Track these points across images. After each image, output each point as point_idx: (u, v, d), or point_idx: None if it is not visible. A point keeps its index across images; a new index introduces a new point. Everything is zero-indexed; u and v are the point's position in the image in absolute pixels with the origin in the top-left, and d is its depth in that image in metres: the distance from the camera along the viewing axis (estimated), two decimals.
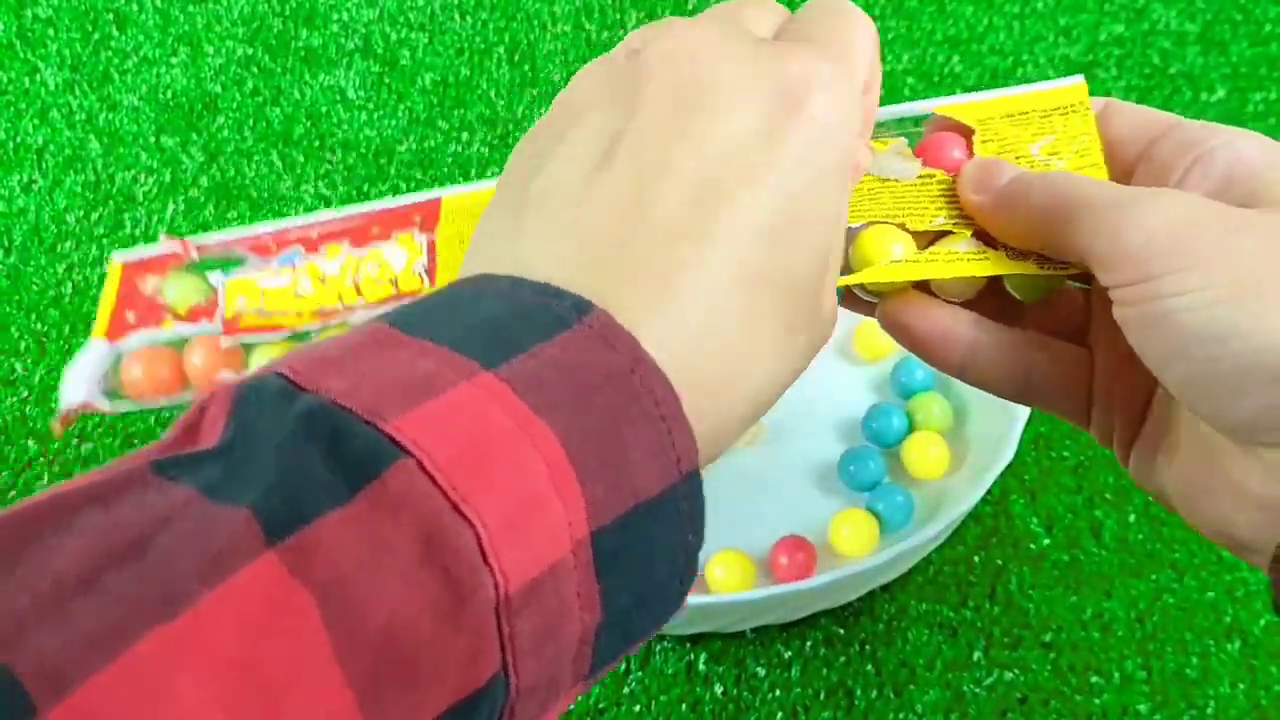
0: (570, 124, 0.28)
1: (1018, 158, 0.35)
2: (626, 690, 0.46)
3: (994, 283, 0.34)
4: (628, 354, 0.24)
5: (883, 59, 0.67)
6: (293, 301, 0.38)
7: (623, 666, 0.46)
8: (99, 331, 0.40)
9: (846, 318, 0.54)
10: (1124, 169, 0.33)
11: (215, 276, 0.39)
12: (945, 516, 0.44)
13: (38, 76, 0.66)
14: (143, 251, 0.40)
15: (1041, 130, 0.35)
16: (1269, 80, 0.66)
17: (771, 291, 0.27)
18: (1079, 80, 0.35)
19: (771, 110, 0.27)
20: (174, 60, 0.67)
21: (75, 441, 0.52)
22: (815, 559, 0.47)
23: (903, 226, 0.35)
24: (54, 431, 0.39)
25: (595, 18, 0.69)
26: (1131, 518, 0.50)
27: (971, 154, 0.35)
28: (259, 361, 0.38)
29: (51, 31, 0.68)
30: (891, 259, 0.34)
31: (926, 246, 0.35)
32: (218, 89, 0.66)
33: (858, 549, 0.47)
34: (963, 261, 0.34)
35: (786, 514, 0.48)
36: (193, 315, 0.39)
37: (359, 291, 0.38)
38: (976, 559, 0.49)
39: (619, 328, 0.25)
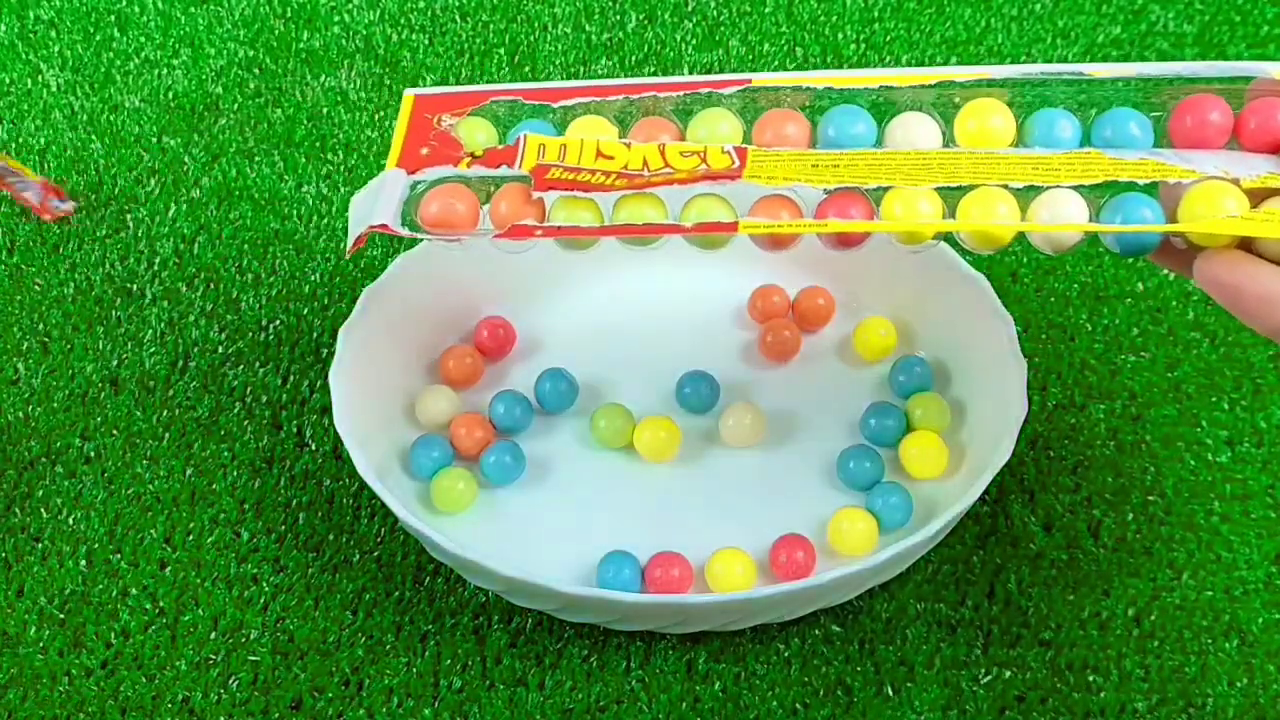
0: None
1: None
2: (627, 688, 0.46)
3: None
4: None
5: (881, 60, 0.68)
6: (597, 160, 0.39)
7: (623, 664, 0.46)
8: (392, 162, 0.40)
9: (846, 318, 0.55)
10: None
11: (517, 129, 0.40)
12: (944, 516, 0.45)
13: (40, 78, 0.67)
14: (434, 90, 0.40)
15: None
16: None
17: None
18: None
19: None
20: (175, 62, 0.67)
21: (79, 441, 0.52)
22: (815, 558, 0.47)
23: (1235, 182, 0.35)
24: (346, 253, 0.41)
25: (595, 19, 0.69)
26: (1129, 517, 0.50)
27: None
28: (560, 216, 0.39)
29: (54, 33, 0.69)
30: (1226, 211, 0.34)
31: (1257, 205, 0.35)
32: (219, 90, 0.66)
33: (857, 548, 0.47)
34: None
35: (786, 513, 0.49)
36: (491, 159, 0.39)
37: (664, 158, 0.39)
38: (975, 558, 0.49)
39: None
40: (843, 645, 0.47)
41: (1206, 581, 0.48)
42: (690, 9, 0.70)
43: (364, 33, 0.69)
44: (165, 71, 0.67)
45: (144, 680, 0.46)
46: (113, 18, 0.69)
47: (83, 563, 0.49)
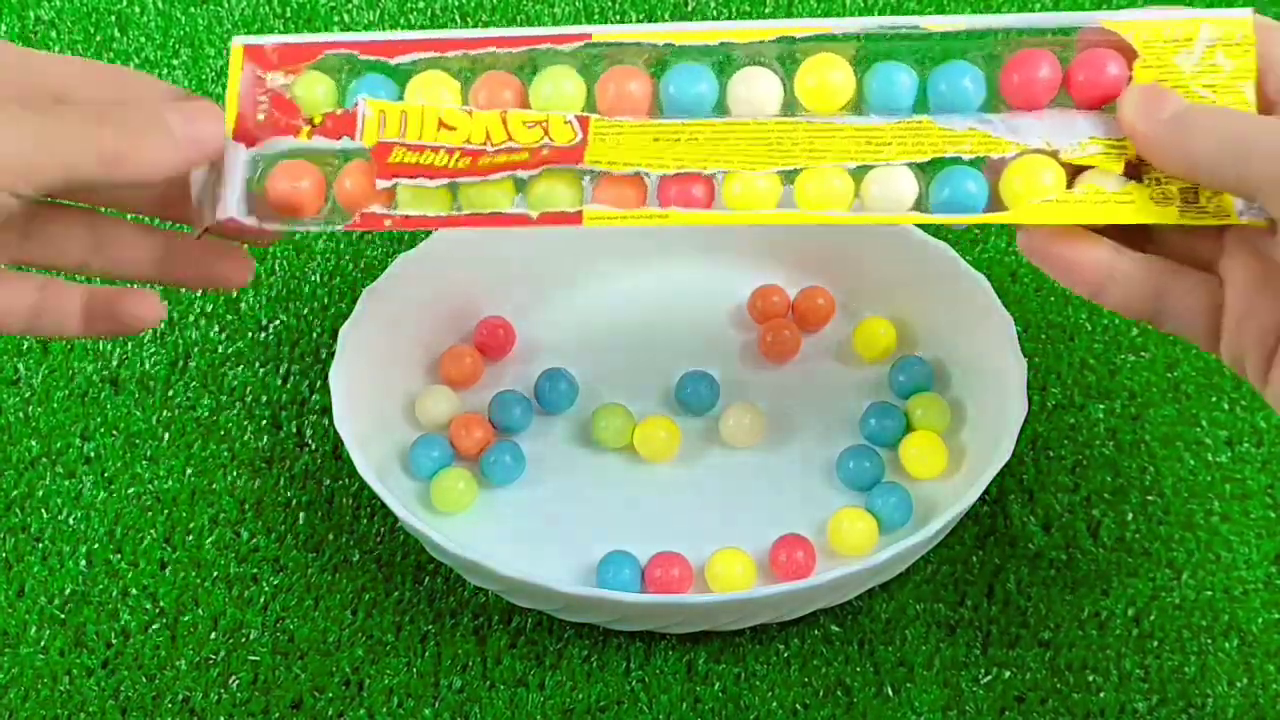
0: None
1: (1176, 86, 0.36)
2: (627, 688, 0.46)
3: None
4: None
5: None
6: (439, 132, 0.38)
7: (623, 665, 0.46)
8: (228, 131, 0.39)
9: (846, 318, 0.55)
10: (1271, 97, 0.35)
11: (353, 90, 0.39)
12: (944, 516, 0.45)
13: None
14: (264, 39, 0.39)
15: (1203, 60, 0.36)
16: None
17: None
18: (1248, 14, 0.35)
19: None
20: (175, 62, 0.67)
21: (79, 441, 0.52)
22: (815, 558, 0.47)
23: (1055, 154, 0.37)
24: (195, 237, 0.39)
25: (595, 19, 0.69)
26: (1129, 517, 0.50)
27: (1130, 76, 0.36)
28: (407, 199, 0.39)
29: (54, 33, 0.69)
30: (1043, 187, 0.36)
31: (1074, 181, 0.37)
32: (219, 91, 0.66)
33: (857, 548, 0.47)
34: (1110, 204, 0.36)
35: (786, 513, 0.49)
36: (331, 128, 0.38)
37: (507, 130, 0.38)
38: (974, 558, 0.49)
39: None
40: (843, 645, 0.47)
41: (1206, 581, 0.48)
42: (690, 9, 0.70)
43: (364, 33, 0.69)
44: (165, 71, 0.67)
45: (144, 680, 0.46)
46: (113, 18, 0.69)
47: (83, 563, 0.49)
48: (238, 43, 0.39)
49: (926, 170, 0.38)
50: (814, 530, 0.48)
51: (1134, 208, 0.36)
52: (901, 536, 0.45)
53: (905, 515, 0.48)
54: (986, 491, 0.50)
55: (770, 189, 0.38)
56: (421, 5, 0.70)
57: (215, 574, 0.49)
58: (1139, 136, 0.35)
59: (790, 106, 0.39)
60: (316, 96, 0.39)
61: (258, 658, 0.47)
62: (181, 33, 0.69)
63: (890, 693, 0.46)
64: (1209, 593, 0.48)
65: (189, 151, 0.36)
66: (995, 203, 0.38)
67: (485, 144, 0.38)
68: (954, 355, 0.52)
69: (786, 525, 0.48)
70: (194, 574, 0.49)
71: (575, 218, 0.38)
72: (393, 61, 0.39)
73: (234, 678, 0.46)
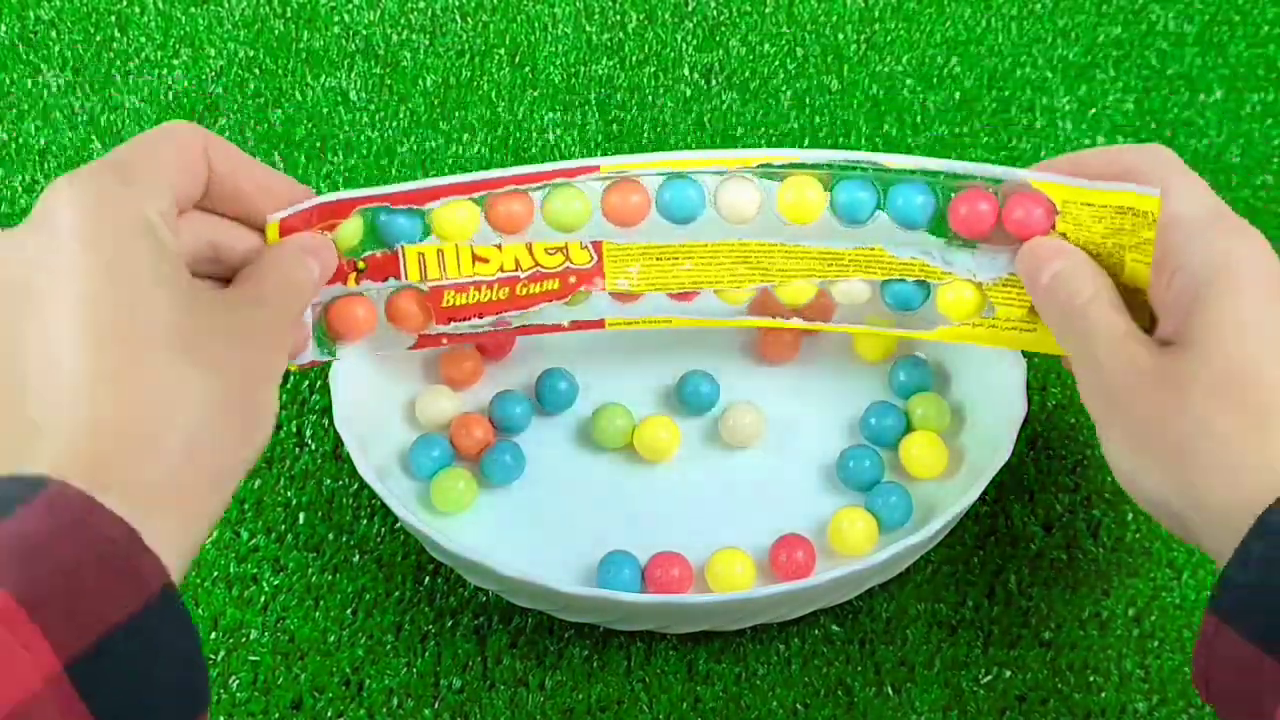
0: None
1: (1087, 242, 0.43)
2: (627, 688, 0.46)
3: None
4: (79, 510, 0.29)
5: (882, 60, 0.68)
6: (474, 266, 0.45)
7: (623, 665, 0.46)
8: None
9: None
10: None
11: (384, 224, 0.45)
12: (943, 516, 0.45)
13: (40, 78, 0.67)
14: (293, 210, 0.43)
15: (1112, 226, 0.42)
16: (1267, 81, 0.66)
17: (149, 343, 0.33)
18: (1156, 194, 0.41)
19: None
20: (176, 62, 0.67)
21: None
22: (815, 558, 0.47)
23: (979, 285, 0.46)
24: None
25: (596, 19, 0.69)
26: (1129, 517, 0.50)
27: (1053, 223, 0.44)
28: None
29: (54, 33, 0.69)
30: (966, 307, 0.46)
31: (990, 309, 0.46)
32: (219, 90, 0.66)
33: (857, 548, 0.47)
34: (1014, 331, 0.46)
35: (786, 513, 0.49)
36: (375, 271, 0.45)
37: (533, 257, 0.46)
38: (975, 558, 0.49)
39: (72, 491, 0.30)
40: (843, 645, 0.47)
41: (1206, 581, 0.48)
42: (690, 9, 0.70)
43: (364, 33, 0.69)
44: (165, 71, 0.67)
45: None
46: (113, 18, 0.69)
47: None
48: (272, 219, 0.43)
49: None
50: (814, 530, 0.48)
51: (1033, 336, 0.46)
52: (901, 536, 0.45)
53: (905, 515, 0.48)
54: (986, 492, 0.50)
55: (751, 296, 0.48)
56: (422, 5, 0.70)
57: (215, 574, 0.49)
58: (1026, 286, 0.44)
59: (767, 214, 0.46)
60: (350, 237, 0.45)
61: (257, 658, 0.47)
62: (181, 33, 0.68)
63: (891, 692, 0.46)
64: (1209, 593, 0.48)
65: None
66: (933, 307, 0.47)
67: (516, 270, 0.46)
68: (954, 355, 0.52)
69: (787, 525, 0.48)
70: (194, 574, 0.49)
71: (599, 324, 0.49)
72: (423, 207, 0.45)
73: (234, 678, 0.46)
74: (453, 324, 0.46)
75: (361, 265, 0.45)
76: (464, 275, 0.46)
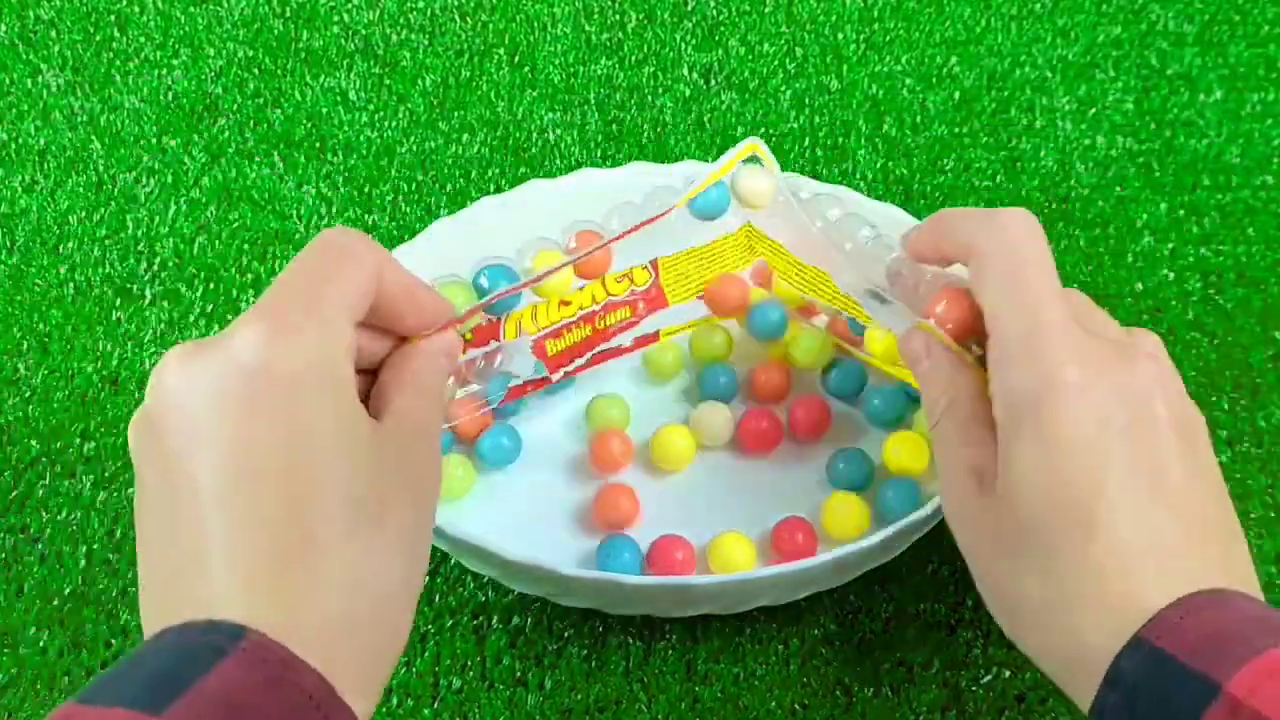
0: (171, 496, 0.33)
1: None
2: (626, 688, 0.46)
3: None
4: (278, 663, 0.30)
5: (882, 60, 0.68)
6: (560, 311, 0.48)
7: (622, 665, 0.46)
8: None
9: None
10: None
11: (479, 277, 0.51)
12: (938, 499, 0.45)
13: (40, 78, 0.67)
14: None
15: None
16: (1267, 81, 0.66)
17: (333, 517, 0.33)
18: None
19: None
20: (175, 62, 0.67)
21: (78, 441, 0.52)
22: (816, 540, 0.47)
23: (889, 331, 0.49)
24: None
25: (595, 19, 0.69)
26: None
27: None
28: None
29: (54, 33, 0.69)
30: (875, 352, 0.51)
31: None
32: (219, 90, 0.66)
33: (850, 532, 0.47)
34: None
35: (788, 503, 0.49)
36: (482, 339, 0.47)
37: (605, 289, 0.49)
38: None
39: (270, 643, 0.30)
40: (842, 645, 0.47)
41: None
42: (690, 9, 0.70)
43: (364, 33, 0.69)
44: (165, 71, 0.67)
45: None
46: (113, 18, 0.69)
47: (82, 563, 0.49)
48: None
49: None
50: (810, 514, 0.48)
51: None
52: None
53: (910, 506, 0.48)
54: None
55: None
56: (421, 5, 0.70)
57: None
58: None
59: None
60: (463, 313, 0.45)
61: None
62: (181, 33, 0.69)
63: (889, 693, 0.46)
64: None
65: None
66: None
67: (594, 305, 0.48)
68: None
69: (787, 511, 0.48)
70: None
71: (654, 337, 0.51)
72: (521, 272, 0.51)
73: None
74: (561, 370, 0.48)
75: (468, 336, 0.46)
76: (554, 322, 0.48)
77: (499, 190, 0.60)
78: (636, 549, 0.47)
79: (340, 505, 0.33)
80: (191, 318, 0.57)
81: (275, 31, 0.69)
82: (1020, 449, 0.36)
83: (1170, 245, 0.59)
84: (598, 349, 0.49)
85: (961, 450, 0.39)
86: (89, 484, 0.51)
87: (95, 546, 0.49)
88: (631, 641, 0.47)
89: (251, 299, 0.57)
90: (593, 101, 0.66)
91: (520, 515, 0.49)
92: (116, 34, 0.68)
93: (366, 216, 0.61)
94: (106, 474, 0.52)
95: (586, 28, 0.69)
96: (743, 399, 0.53)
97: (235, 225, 0.60)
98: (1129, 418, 0.36)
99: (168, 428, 0.33)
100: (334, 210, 0.61)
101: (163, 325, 0.56)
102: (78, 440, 0.53)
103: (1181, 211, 0.61)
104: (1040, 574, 0.36)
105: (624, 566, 0.46)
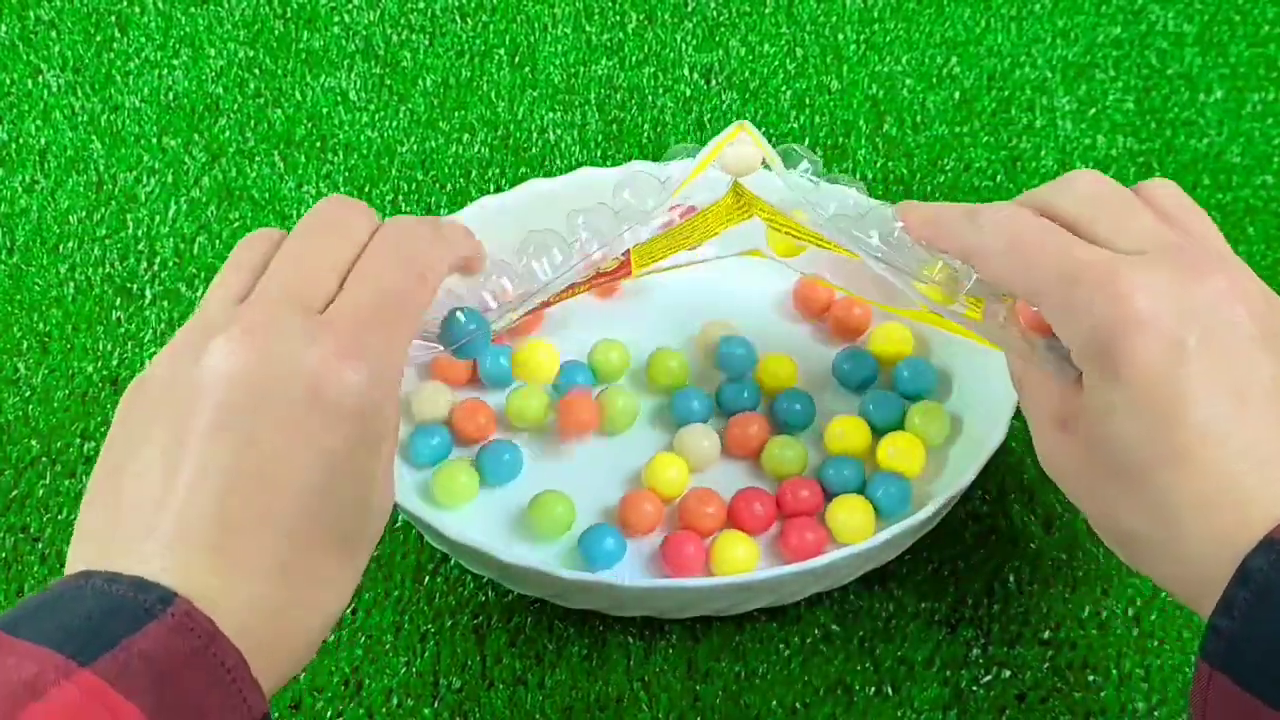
0: (139, 440, 0.34)
1: None
2: (627, 687, 0.46)
3: None
4: (204, 635, 0.31)
5: (882, 60, 0.68)
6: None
7: (623, 663, 0.46)
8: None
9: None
10: None
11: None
12: (941, 496, 0.45)
13: (40, 78, 0.67)
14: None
15: None
16: (1267, 81, 0.66)
17: (325, 550, 0.34)
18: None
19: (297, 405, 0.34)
20: (176, 62, 0.67)
21: (78, 441, 0.52)
22: (825, 539, 0.47)
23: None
24: None
25: (595, 19, 0.69)
26: None
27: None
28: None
29: (54, 33, 0.69)
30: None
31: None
32: (219, 90, 0.66)
33: (855, 536, 0.47)
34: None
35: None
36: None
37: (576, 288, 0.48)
38: (975, 557, 0.49)
39: (197, 613, 0.31)
40: (843, 644, 0.47)
41: None
42: (690, 9, 0.70)
43: (364, 33, 0.69)
44: (165, 71, 0.67)
45: None
46: (113, 18, 0.69)
47: None
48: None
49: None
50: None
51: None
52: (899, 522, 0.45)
53: (903, 503, 0.48)
54: (987, 491, 0.50)
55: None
56: (422, 5, 0.70)
57: None
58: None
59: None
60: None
61: None
62: (181, 33, 0.69)
63: (890, 691, 0.46)
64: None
65: None
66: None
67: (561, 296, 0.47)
68: (955, 352, 0.52)
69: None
70: None
71: (625, 268, 0.49)
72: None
73: None
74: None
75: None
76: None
77: (499, 190, 0.60)
78: (618, 536, 0.47)
79: (340, 535, 0.35)
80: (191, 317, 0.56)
81: (276, 32, 0.69)
82: (1097, 393, 0.36)
83: None
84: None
85: (1047, 398, 0.39)
86: (89, 484, 0.51)
87: None
88: (632, 640, 0.47)
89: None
90: (593, 101, 0.66)
91: (522, 522, 0.49)
92: (117, 34, 0.69)
93: None
94: None
95: (587, 28, 0.69)
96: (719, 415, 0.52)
97: (235, 225, 0.60)
98: (1202, 333, 0.35)
99: (199, 404, 0.33)
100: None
101: (163, 325, 0.56)
102: (78, 440, 0.53)
103: None
104: (1144, 511, 0.36)
105: (607, 554, 0.46)
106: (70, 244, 0.60)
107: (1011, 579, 0.48)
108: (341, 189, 0.62)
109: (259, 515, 0.33)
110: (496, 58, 0.68)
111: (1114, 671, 0.46)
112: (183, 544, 0.32)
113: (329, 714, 0.45)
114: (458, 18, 0.70)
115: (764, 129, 0.64)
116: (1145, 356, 0.35)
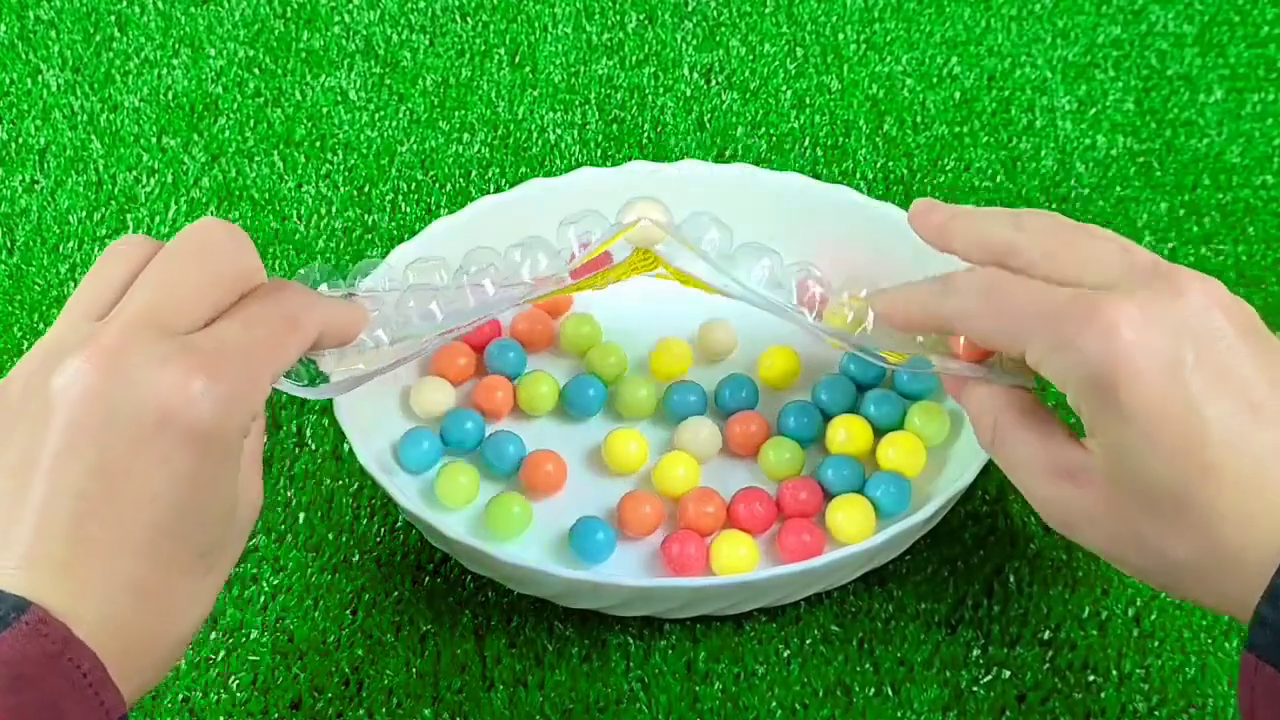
0: None
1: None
2: (626, 688, 0.46)
3: None
4: (59, 640, 0.32)
5: (882, 60, 0.68)
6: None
7: (623, 664, 0.46)
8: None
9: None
10: None
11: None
12: (941, 496, 0.45)
13: (40, 78, 0.67)
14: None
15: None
16: (1267, 82, 0.66)
17: (183, 566, 0.35)
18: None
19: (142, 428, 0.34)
20: (175, 62, 0.67)
21: None
22: (823, 541, 0.47)
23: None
24: None
25: (596, 19, 0.69)
26: None
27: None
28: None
29: (53, 33, 0.69)
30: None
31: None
32: (219, 90, 0.66)
33: (855, 536, 0.47)
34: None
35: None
36: None
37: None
38: (974, 558, 0.49)
39: (52, 619, 0.32)
40: (842, 645, 0.47)
41: None
42: (690, 9, 0.70)
43: (364, 33, 0.69)
44: (165, 71, 0.67)
45: None
46: (113, 18, 0.69)
47: None
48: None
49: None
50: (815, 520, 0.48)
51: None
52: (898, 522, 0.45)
53: (903, 504, 0.48)
54: (986, 491, 0.50)
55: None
56: (422, 5, 0.70)
57: None
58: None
59: None
60: None
61: (257, 658, 0.47)
62: (181, 33, 0.69)
63: (890, 692, 0.46)
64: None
65: None
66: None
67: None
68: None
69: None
70: None
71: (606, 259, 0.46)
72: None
73: (234, 678, 0.46)
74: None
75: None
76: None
77: (499, 190, 0.60)
78: (608, 529, 0.47)
79: (199, 555, 0.35)
80: None
81: (276, 31, 0.69)
82: (1106, 434, 0.36)
83: (1170, 245, 0.59)
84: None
85: (1036, 455, 0.39)
86: None
87: None
88: (632, 641, 0.47)
89: None
90: (593, 101, 0.66)
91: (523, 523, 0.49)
92: (116, 34, 0.69)
93: (366, 216, 0.61)
94: None
95: (587, 28, 0.69)
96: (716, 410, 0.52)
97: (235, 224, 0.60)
98: (1195, 347, 0.35)
99: (50, 423, 0.34)
100: (334, 210, 0.61)
101: None
102: None
103: (1182, 211, 0.61)
104: (1190, 536, 0.35)
105: (598, 547, 0.46)
106: (70, 244, 0.60)
107: (1011, 579, 0.48)
108: (341, 189, 0.62)
109: (112, 536, 0.33)
110: (496, 57, 0.68)
111: (1114, 672, 0.46)
112: (36, 561, 0.33)
113: (329, 714, 0.45)
114: (458, 17, 0.70)
115: (764, 129, 0.64)
116: (1147, 381, 0.35)
